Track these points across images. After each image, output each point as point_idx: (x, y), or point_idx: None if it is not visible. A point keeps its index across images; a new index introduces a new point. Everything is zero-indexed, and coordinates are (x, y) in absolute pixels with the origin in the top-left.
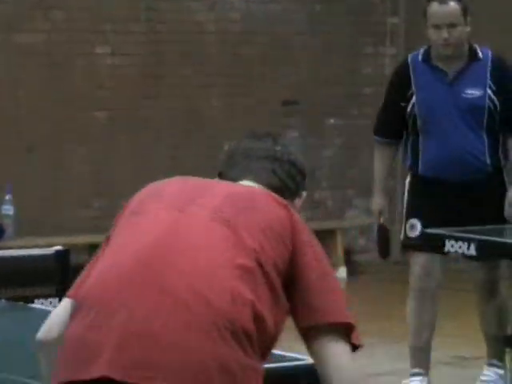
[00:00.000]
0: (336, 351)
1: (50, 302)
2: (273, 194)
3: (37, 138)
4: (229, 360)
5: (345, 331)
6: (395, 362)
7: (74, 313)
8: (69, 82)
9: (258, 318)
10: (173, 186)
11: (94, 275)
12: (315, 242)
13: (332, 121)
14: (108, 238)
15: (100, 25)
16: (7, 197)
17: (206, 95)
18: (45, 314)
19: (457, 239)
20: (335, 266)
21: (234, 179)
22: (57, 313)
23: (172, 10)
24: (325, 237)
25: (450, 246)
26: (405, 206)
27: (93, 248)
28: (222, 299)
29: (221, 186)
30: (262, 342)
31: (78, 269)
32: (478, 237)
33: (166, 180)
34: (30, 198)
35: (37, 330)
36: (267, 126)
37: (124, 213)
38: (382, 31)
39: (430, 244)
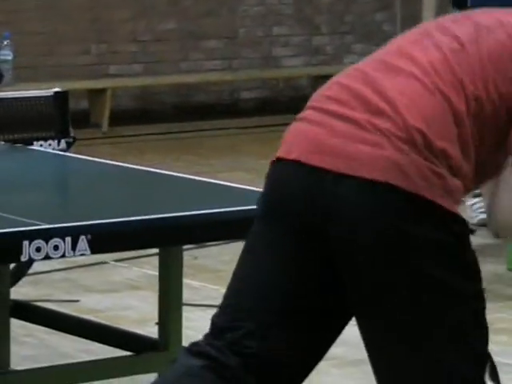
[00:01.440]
0: None
1: (50, 145)
2: None
3: None
4: None
5: None
6: None
7: None
8: None
9: None
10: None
11: None
12: None
13: None
14: None
15: None
16: (5, 42)
17: None
18: (44, 156)
19: None
20: None
21: None
22: None
23: None
24: (324, 82)
25: None
26: None
27: (91, 93)
28: None
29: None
30: None
31: (77, 114)
32: None
33: None
34: (28, 43)
35: (36, 171)
36: None
37: None
38: None
39: None
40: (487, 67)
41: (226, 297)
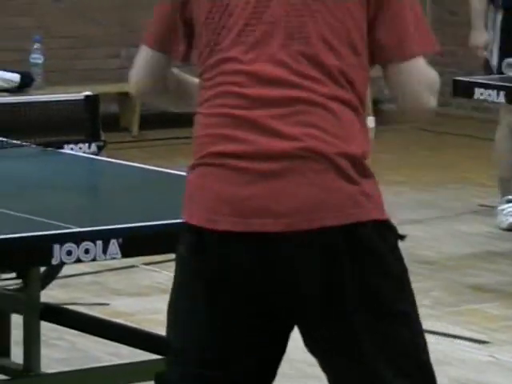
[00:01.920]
0: None
1: (80, 148)
2: None
3: None
4: None
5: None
6: (424, 210)
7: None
8: None
9: None
10: None
11: None
12: None
13: None
14: None
15: None
16: (36, 46)
17: None
18: (75, 159)
19: None
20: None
21: None
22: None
23: None
24: None
25: None
26: (497, 45)
27: (121, 97)
28: None
29: None
30: None
31: (107, 118)
32: None
33: None
34: (58, 47)
35: (66, 173)
36: None
37: None
38: None
39: None
40: None
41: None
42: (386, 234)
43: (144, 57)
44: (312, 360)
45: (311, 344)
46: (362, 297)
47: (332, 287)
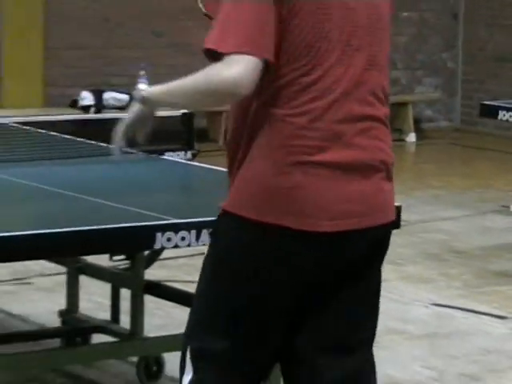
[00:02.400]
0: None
1: (178, 155)
2: None
3: (164, 23)
4: None
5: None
6: (457, 209)
7: None
8: None
9: None
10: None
11: None
12: None
13: (405, 14)
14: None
15: None
16: (142, 72)
17: None
18: (173, 164)
19: None
20: (407, 132)
21: None
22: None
23: None
24: (399, 108)
25: None
26: None
27: (210, 114)
28: None
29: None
30: None
31: (199, 131)
32: None
33: None
34: (160, 73)
35: (166, 175)
36: None
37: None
38: None
39: None
40: None
41: None
42: None
43: (252, 62)
44: None
45: (336, 303)
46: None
47: (375, 263)
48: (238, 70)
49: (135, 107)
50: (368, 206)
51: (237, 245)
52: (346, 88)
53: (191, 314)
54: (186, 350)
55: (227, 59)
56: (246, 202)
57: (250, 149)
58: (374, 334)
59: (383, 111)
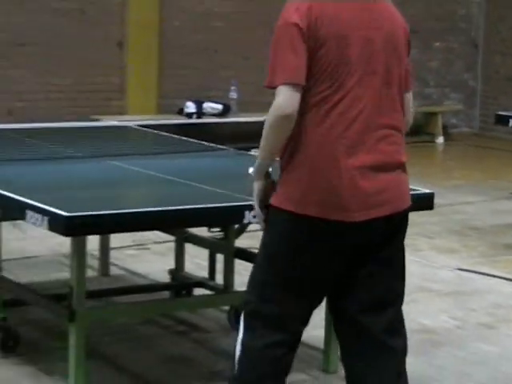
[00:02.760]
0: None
1: None
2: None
3: (251, 50)
4: None
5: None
6: (475, 196)
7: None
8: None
9: None
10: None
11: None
12: None
13: (437, 44)
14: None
15: None
16: (233, 87)
17: None
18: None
19: None
20: (437, 135)
21: None
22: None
23: None
24: (430, 117)
25: None
26: None
27: None
28: None
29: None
30: None
31: None
32: None
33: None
34: (247, 90)
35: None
36: None
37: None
38: None
39: None
40: None
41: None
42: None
43: (298, 94)
44: None
45: (372, 266)
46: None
47: (398, 238)
48: (282, 96)
49: (254, 186)
50: (392, 195)
51: (287, 231)
52: (366, 104)
53: (249, 283)
54: (243, 311)
55: (277, 91)
56: (292, 199)
57: (292, 157)
58: (400, 295)
59: (400, 121)
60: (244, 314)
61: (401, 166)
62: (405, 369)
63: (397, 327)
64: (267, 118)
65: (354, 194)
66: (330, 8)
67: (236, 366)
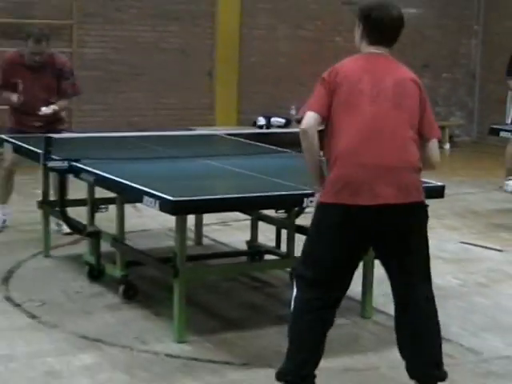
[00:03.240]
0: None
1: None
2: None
3: (307, 78)
4: None
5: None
6: (474, 188)
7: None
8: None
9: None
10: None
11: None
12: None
13: (444, 75)
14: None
15: None
16: (292, 106)
17: None
18: (293, 157)
19: None
20: (444, 143)
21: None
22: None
23: None
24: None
25: None
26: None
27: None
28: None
29: (387, 78)
30: None
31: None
32: None
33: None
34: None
35: (294, 165)
36: None
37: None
38: None
39: None
40: None
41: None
42: (423, 210)
43: (314, 117)
44: None
45: (393, 253)
46: (415, 231)
47: (409, 227)
48: (305, 120)
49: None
50: (399, 189)
51: (323, 215)
52: (377, 121)
53: (301, 253)
54: (294, 275)
55: (304, 116)
56: (327, 192)
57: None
58: (423, 271)
59: (411, 135)
60: (294, 276)
61: (411, 166)
62: (433, 297)
63: (428, 302)
64: None
65: (366, 186)
66: (351, 63)
67: (291, 313)
